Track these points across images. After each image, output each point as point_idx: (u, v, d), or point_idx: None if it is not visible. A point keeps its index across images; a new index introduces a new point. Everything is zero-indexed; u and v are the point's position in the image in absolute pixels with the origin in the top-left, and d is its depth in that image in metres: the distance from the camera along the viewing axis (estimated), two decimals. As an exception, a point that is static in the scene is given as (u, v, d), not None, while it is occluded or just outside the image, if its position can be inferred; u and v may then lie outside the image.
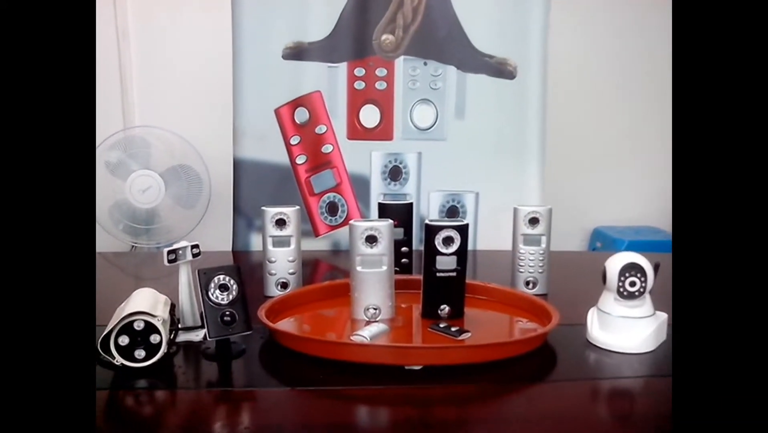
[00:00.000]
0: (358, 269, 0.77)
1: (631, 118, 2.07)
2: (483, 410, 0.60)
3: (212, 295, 0.66)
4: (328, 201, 1.31)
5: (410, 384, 0.62)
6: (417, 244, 1.01)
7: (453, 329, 0.73)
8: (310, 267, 1.20)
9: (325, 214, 1.32)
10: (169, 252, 0.73)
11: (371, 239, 0.76)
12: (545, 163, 1.35)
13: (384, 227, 0.76)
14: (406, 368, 0.64)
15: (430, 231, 0.77)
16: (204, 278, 0.67)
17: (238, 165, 1.30)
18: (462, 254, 0.77)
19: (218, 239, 1.36)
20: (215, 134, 1.48)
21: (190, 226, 1.73)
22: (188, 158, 1.67)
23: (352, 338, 0.71)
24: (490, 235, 1.32)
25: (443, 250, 0.77)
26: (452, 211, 1.34)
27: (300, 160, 1.31)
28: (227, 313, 0.66)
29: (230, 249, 1.31)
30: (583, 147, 2.04)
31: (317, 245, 1.31)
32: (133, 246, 1.63)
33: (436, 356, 0.66)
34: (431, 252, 0.77)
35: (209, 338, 0.65)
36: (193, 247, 0.74)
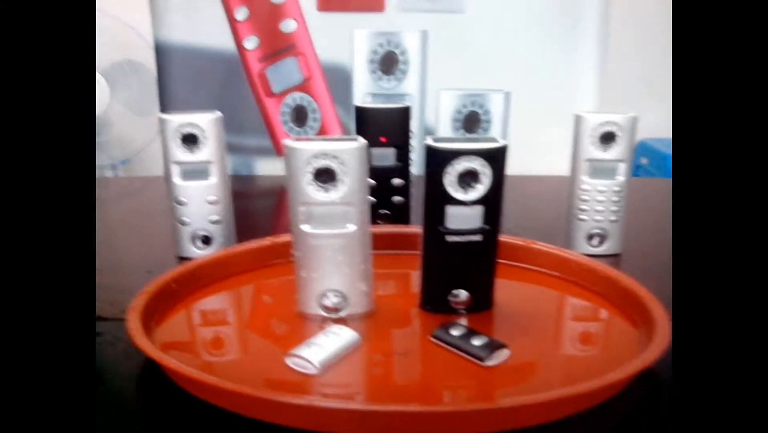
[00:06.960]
0: (303, 228, 0.43)
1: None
2: None
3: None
4: (293, 104, 0.96)
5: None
6: (419, 171, 0.68)
7: (475, 341, 0.40)
8: (270, 199, 0.87)
9: (290, 124, 0.96)
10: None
11: (325, 176, 0.41)
12: (608, 51, 0.96)
13: (348, 152, 0.41)
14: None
15: (437, 159, 0.41)
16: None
17: (163, 52, 0.94)
18: (493, 201, 0.42)
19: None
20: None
21: (149, 136, 1.50)
22: (136, 51, 1.40)
23: (287, 361, 0.38)
24: (524, 156, 0.96)
25: (460, 195, 0.42)
26: (472, 119, 0.97)
27: (250, 44, 0.93)
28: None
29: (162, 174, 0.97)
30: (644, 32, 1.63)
31: (281, 167, 0.96)
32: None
33: (439, 426, 0.33)
34: (438, 199, 0.42)
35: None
36: None
